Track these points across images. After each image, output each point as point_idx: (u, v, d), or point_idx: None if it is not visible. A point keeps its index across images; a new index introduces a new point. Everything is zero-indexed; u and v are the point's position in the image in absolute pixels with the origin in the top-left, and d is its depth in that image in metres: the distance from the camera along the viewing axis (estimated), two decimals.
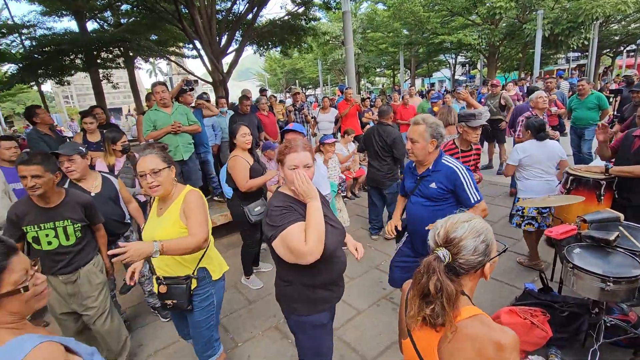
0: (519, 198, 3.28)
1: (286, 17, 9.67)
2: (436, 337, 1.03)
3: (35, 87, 10.02)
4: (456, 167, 2.18)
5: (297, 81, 39.02)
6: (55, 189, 2.09)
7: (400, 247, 2.55)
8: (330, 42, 19.53)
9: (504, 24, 16.32)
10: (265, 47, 10.92)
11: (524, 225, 3.23)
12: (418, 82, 37.34)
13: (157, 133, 3.74)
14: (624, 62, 27.56)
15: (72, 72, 9.60)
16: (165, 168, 1.74)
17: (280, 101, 12.22)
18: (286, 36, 10.21)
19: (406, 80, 25.51)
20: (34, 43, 9.00)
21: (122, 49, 9.74)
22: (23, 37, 9.31)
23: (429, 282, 1.00)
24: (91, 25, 9.94)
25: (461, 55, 25.73)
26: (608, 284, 1.87)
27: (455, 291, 1.01)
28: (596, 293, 1.94)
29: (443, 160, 2.21)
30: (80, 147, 2.55)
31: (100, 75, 10.38)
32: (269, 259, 3.92)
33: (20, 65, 8.01)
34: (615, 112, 5.87)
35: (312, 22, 10.51)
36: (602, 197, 2.62)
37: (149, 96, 4.82)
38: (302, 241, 1.42)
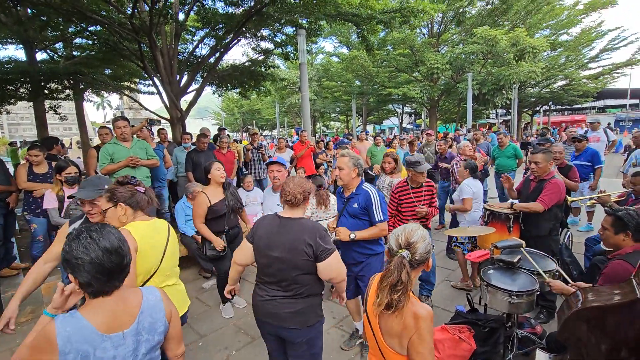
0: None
1: (247, 63, 10.24)
2: (376, 313, 1.41)
3: None
4: (371, 191, 2.66)
5: (254, 122, 39.72)
6: None
7: None
8: (288, 87, 20.62)
9: (442, 82, 18.61)
10: (225, 88, 11.31)
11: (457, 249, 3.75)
12: (370, 128, 40.01)
13: (114, 166, 3.77)
14: (541, 120, 32.43)
15: (13, 101, 9.06)
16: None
17: (235, 140, 12.46)
18: (245, 80, 10.74)
19: (358, 126, 27.32)
20: None
21: (72, 81, 9.48)
22: None
23: (400, 274, 1.34)
24: (40, 56, 9.65)
25: (407, 106, 28.45)
26: (512, 297, 2.28)
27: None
28: (505, 306, 2.34)
29: (363, 186, 2.70)
30: (106, 186, 2.05)
31: (47, 107, 9.93)
32: (243, 295, 3.88)
33: None
34: (529, 161, 6.95)
35: (271, 68, 11.22)
36: (512, 228, 3.16)
37: (101, 130, 4.62)
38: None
